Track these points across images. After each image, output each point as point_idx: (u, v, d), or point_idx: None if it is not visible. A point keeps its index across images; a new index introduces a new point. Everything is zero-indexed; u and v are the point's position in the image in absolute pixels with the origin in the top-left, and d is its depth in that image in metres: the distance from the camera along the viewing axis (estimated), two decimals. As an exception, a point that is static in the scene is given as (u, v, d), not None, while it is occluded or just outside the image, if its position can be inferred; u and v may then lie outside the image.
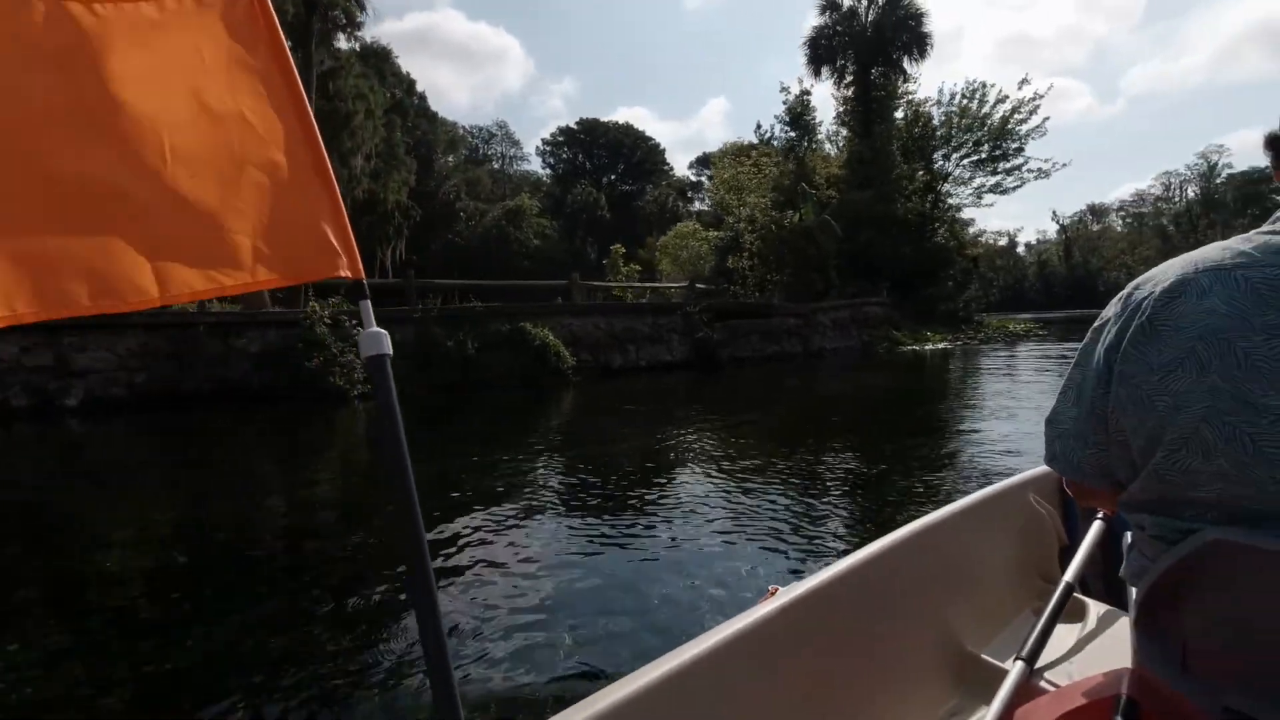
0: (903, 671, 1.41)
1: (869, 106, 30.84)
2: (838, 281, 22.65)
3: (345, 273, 1.02)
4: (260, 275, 0.98)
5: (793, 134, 35.68)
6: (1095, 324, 0.90)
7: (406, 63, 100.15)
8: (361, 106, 28.42)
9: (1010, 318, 38.78)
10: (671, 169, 67.82)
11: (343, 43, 28.50)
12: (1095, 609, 1.64)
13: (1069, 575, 1.43)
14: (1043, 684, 1.28)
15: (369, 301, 1.05)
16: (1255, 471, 0.72)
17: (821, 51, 31.62)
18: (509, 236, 49.57)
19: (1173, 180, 71.60)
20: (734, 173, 25.15)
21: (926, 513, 1.65)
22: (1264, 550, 0.72)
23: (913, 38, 30.51)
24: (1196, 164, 68.16)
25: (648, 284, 20.88)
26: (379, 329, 0.99)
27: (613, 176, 66.82)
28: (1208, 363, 0.74)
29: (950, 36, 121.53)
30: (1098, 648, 1.49)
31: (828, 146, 34.14)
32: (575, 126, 70.02)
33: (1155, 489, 0.82)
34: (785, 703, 1.17)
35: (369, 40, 32.94)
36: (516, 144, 72.41)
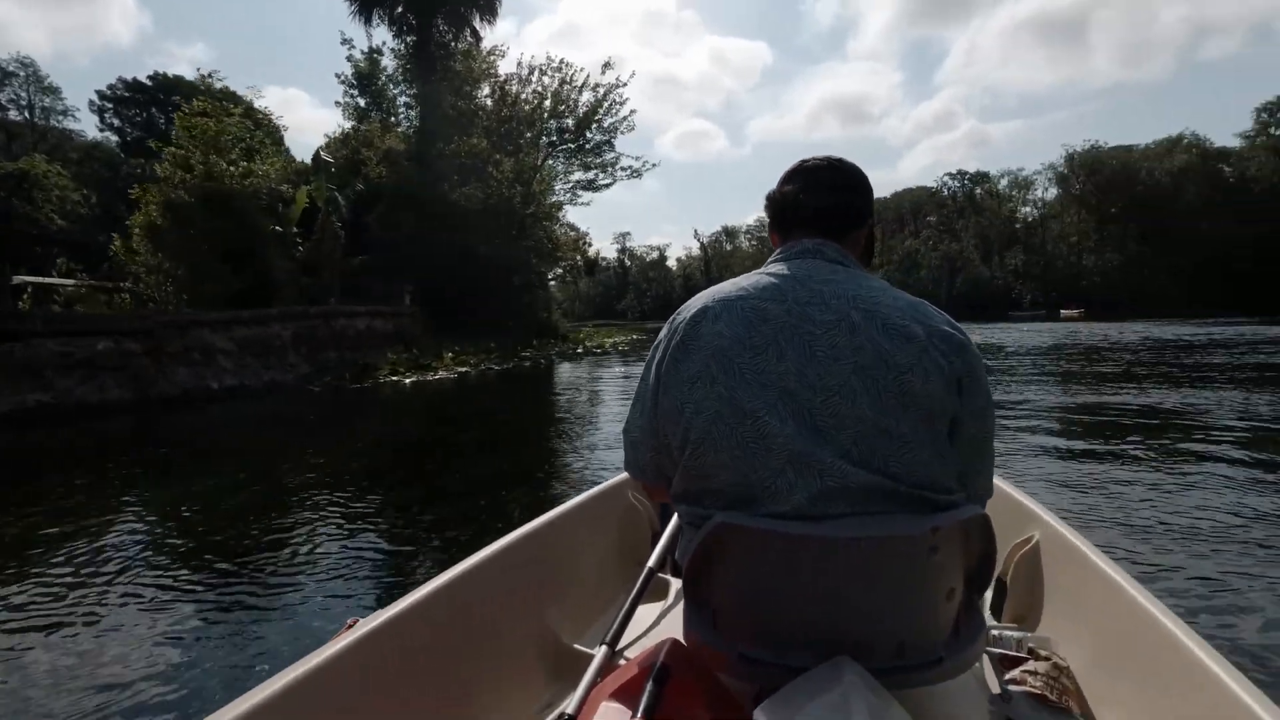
0: (501, 676, 1.39)
1: (431, 67, 24.73)
2: (293, 281, 15.59)
3: None
4: None
5: (362, 101, 28.31)
6: (654, 343, 1.05)
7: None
8: None
9: (601, 327, 36.08)
10: (290, 150, 55.22)
11: None
12: (675, 587, 1.70)
13: (651, 561, 1.57)
14: (623, 662, 1.25)
15: None
16: (746, 463, 0.90)
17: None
18: (13, 212, 34.58)
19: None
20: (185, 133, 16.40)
21: (526, 521, 1.64)
22: (756, 529, 0.88)
23: (478, -13, 25.24)
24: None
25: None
26: None
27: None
28: (717, 375, 0.93)
29: (616, 66, 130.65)
30: (670, 622, 1.55)
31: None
32: (148, 81, 53.40)
33: (686, 482, 0.98)
34: None
35: None
36: (52, 92, 52.94)
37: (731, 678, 0.95)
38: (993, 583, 1.62)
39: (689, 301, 1.03)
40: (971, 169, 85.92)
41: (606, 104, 27.34)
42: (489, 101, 27.10)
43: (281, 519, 4.57)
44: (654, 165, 29.74)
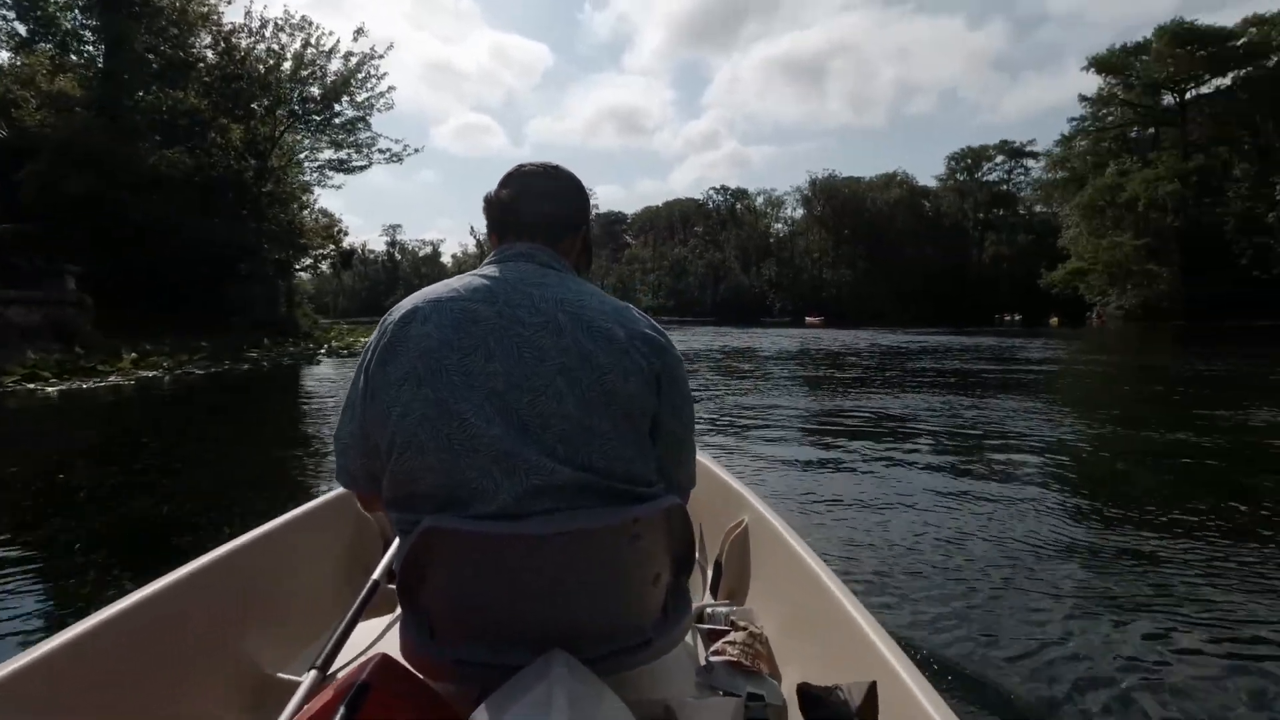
0: None
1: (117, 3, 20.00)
2: None
3: None
4: None
5: (21, 27, 22.08)
6: (365, 346, 1.01)
7: None
8: None
9: (359, 324, 32.69)
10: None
11: None
12: None
13: (375, 573, 1.45)
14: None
15: None
16: (452, 465, 0.88)
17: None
18: None
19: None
20: None
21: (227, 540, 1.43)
22: (463, 531, 0.86)
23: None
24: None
25: None
26: None
27: None
28: (425, 377, 0.90)
29: (371, 35, 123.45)
30: (394, 636, 1.35)
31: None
32: None
33: (395, 488, 0.94)
34: None
35: None
36: None
37: (450, 684, 0.94)
38: (711, 563, 1.79)
39: (400, 302, 1.01)
40: (733, 185, 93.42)
41: (361, 75, 24.43)
42: (210, 53, 22.75)
43: None
44: (416, 150, 27.39)
